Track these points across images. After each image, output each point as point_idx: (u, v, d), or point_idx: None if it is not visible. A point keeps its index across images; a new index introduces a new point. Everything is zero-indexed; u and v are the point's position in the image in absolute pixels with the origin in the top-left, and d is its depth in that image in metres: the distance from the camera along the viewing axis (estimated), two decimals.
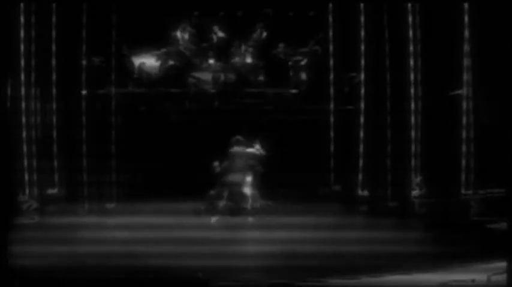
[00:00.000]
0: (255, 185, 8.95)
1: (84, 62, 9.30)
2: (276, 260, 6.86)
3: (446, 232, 8.09)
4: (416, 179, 9.10)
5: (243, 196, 8.85)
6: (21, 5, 8.74)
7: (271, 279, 6.24)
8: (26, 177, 8.76)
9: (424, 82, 9.07)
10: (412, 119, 9.15)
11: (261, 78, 10.12)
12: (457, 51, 8.84)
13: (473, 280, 6.19)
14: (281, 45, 10.03)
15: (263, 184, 9.06)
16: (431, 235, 7.99)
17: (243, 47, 10.01)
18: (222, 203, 8.84)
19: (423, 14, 8.99)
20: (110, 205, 9.17)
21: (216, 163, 8.98)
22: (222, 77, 10.02)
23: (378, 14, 9.16)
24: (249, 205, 8.82)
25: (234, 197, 8.81)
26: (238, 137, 9.00)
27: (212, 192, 8.94)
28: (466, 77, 8.87)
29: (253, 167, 8.93)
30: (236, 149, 8.97)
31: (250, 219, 8.68)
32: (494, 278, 6.14)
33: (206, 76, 10.06)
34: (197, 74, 10.10)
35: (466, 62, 8.84)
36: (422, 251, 7.10)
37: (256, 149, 9.02)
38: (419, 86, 9.08)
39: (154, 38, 10.01)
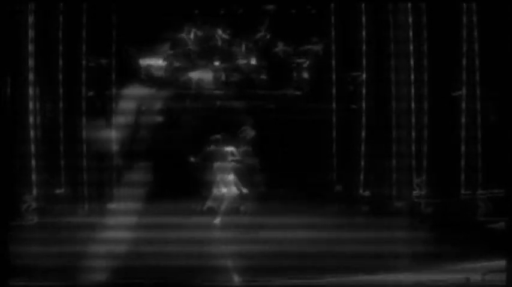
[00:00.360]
0: (238, 184, 8.97)
1: (88, 63, 9.32)
2: (270, 260, 6.92)
3: (449, 231, 8.16)
4: (418, 179, 9.15)
5: (225, 196, 8.87)
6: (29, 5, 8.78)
7: (265, 279, 6.31)
8: (33, 177, 8.80)
9: (428, 82, 9.12)
10: (417, 118, 9.20)
11: (264, 77, 10.18)
12: (461, 51, 8.85)
13: (467, 279, 6.25)
14: (280, 43, 10.09)
15: (265, 184, 9.12)
16: (432, 235, 8.05)
17: (244, 45, 10.07)
18: (214, 204, 8.91)
19: (428, 14, 9.03)
20: (111, 205, 9.26)
21: (193, 158, 9.04)
22: (223, 77, 10.09)
23: (380, 13, 9.24)
24: (228, 205, 8.85)
25: (218, 197, 8.86)
26: (217, 136, 9.05)
27: (204, 193, 9.02)
28: (470, 77, 8.88)
29: (240, 166, 8.95)
30: (213, 148, 9.02)
31: (245, 219, 8.73)
32: (489, 277, 6.21)
33: (208, 76, 10.14)
34: (199, 74, 10.18)
35: (471, 62, 8.86)
36: (419, 251, 7.16)
37: (232, 152, 9.06)
38: (425, 86, 9.14)
39: (161, 40, 10.10)
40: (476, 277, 6.26)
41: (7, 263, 6.63)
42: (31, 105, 8.80)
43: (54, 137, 9.03)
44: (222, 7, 9.52)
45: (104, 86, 9.51)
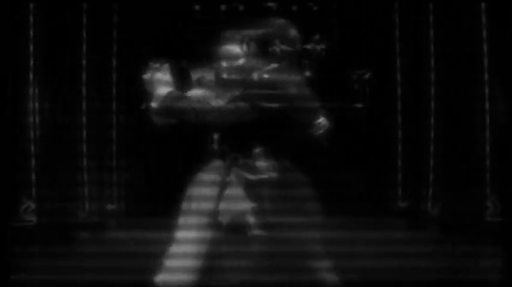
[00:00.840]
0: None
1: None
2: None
3: (453, 232, 8.23)
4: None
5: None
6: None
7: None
8: (35, 177, 8.84)
9: (437, 82, 9.20)
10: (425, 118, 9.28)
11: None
12: (471, 51, 8.91)
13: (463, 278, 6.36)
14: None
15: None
16: (433, 234, 8.14)
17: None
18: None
19: (437, 14, 9.11)
20: (111, 206, 9.37)
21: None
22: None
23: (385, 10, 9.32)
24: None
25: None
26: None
27: None
28: (477, 77, 8.92)
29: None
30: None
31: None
32: (485, 275, 6.32)
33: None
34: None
35: (481, 62, 8.92)
36: (418, 251, 7.25)
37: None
38: (432, 86, 9.23)
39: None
40: (472, 276, 6.38)
41: (7, 263, 6.79)
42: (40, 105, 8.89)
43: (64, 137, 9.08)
44: (223, 4, 9.55)
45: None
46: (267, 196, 5.08)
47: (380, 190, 9.52)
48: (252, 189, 5.14)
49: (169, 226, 8.34)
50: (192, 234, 5.63)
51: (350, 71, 9.75)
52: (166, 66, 5.41)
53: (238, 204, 5.35)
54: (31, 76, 8.75)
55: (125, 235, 8.21)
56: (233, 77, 5.80)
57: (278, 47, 5.28)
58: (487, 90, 8.90)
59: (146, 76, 5.29)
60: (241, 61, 5.65)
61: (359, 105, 9.67)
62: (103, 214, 9.20)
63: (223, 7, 9.54)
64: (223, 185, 5.24)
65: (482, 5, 8.72)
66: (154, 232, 8.29)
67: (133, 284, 6.52)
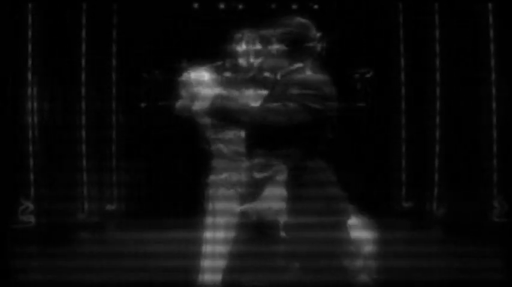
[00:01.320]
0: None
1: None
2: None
3: (458, 232, 8.27)
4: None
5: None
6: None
7: None
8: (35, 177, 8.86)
9: (442, 82, 9.24)
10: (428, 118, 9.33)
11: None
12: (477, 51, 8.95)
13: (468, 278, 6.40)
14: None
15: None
16: (438, 235, 8.16)
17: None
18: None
19: (442, 13, 9.15)
20: (111, 207, 9.44)
21: None
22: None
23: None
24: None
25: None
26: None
27: None
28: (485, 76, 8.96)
29: None
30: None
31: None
32: (491, 276, 6.37)
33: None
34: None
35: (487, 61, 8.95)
36: (422, 251, 7.28)
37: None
38: (438, 86, 9.28)
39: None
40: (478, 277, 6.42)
41: (7, 264, 6.87)
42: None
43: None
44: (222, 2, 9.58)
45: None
46: (298, 195, 5.04)
47: (383, 190, 9.58)
48: (282, 189, 5.11)
49: (169, 226, 8.52)
50: (221, 234, 5.66)
51: (352, 70, 9.78)
52: (204, 67, 5.42)
53: (269, 204, 5.31)
54: (30, 76, 8.82)
55: (124, 235, 8.32)
56: (244, 76, 5.79)
57: (302, 46, 5.23)
58: (493, 90, 8.97)
59: (185, 77, 5.30)
60: (262, 60, 5.65)
61: (361, 104, 9.70)
62: (102, 214, 9.30)
63: (221, 5, 9.61)
64: (252, 185, 5.22)
65: (489, 5, 8.80)
66: (153, 233, 8.48)
67: (133, 284, 6.62)
